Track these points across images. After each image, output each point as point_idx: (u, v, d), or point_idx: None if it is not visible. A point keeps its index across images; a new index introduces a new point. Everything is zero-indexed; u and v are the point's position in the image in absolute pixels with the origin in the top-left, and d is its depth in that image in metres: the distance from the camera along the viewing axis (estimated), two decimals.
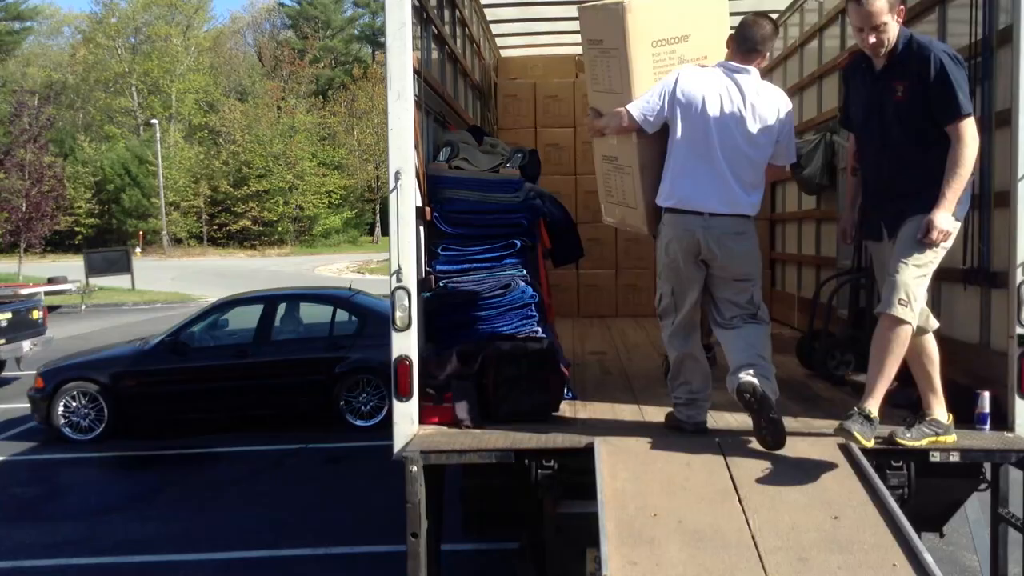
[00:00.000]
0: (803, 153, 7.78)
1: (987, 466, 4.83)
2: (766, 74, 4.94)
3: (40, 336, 14.30)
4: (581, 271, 9.81)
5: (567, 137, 10.17)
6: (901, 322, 4.15)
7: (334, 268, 40.08)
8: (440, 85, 6.48)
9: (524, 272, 5.60)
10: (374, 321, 10.65)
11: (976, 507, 5.73)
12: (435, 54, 6.61)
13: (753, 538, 3.65)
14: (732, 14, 9.49)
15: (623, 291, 9.96)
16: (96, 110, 62.75)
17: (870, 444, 4.14)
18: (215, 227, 57.22)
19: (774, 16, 9.55)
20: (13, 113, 33.54)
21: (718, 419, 4.97)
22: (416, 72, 4.98)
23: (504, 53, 10.93)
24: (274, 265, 43.60)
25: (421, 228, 5.19)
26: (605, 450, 4.30)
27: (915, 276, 4.15)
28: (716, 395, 5.61)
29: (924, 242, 4.12)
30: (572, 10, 9.49)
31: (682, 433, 4.64)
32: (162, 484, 8.82)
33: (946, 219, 4.10)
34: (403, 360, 4.55)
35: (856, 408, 4.24)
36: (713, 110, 4.43)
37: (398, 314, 4.55)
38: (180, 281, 33.76)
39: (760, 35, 4.58)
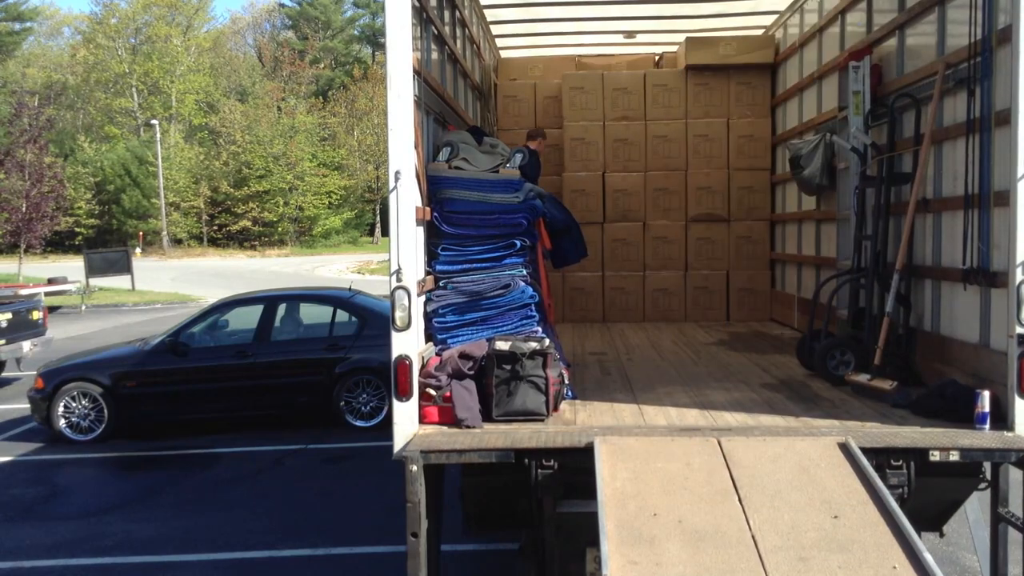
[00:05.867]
0: (803, 154, 7.79)
1: (987, 466, 4.83)
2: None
3: (40, 337, 14.30)
4: (568, 274, 9.78)
5: None
6: None
7: (334, 269, 40.09)
8: (440, 85, 6.48)
9: (524, 272, 5.61)
10: (374, 322, 10.66)
11: (976, 507, 5.73)
12: (435, 54, 6.61)
13: (753, 538, 3.65)
14: (733, 15, 9.62)
15: (610, 294, 9.96)
16: (96, 111, 62.76)
17: None
18: (215, 228, 57.20)
19: (774, 17, 9.60)
20: (13, 114, 33.50)
21: (717, 419, 4.98)
22: (416, 72, 4.99)
23: (504, 54, 10.94)
24: (274, 266, 43.60)
25: (421, 228, 5.20)
26: (605, 450, 4.30)
27: None
28: (716, 395, 5.64)
29: None
30: (572, 11, 9.60)
31: (681, 432, 4.65)
32: (162, 484, 8.82)
33: None
34: (403, 360, 4.56)
35: None
36: None
37: (398, 314, 4.55)
38: (180, 282, 33.76)
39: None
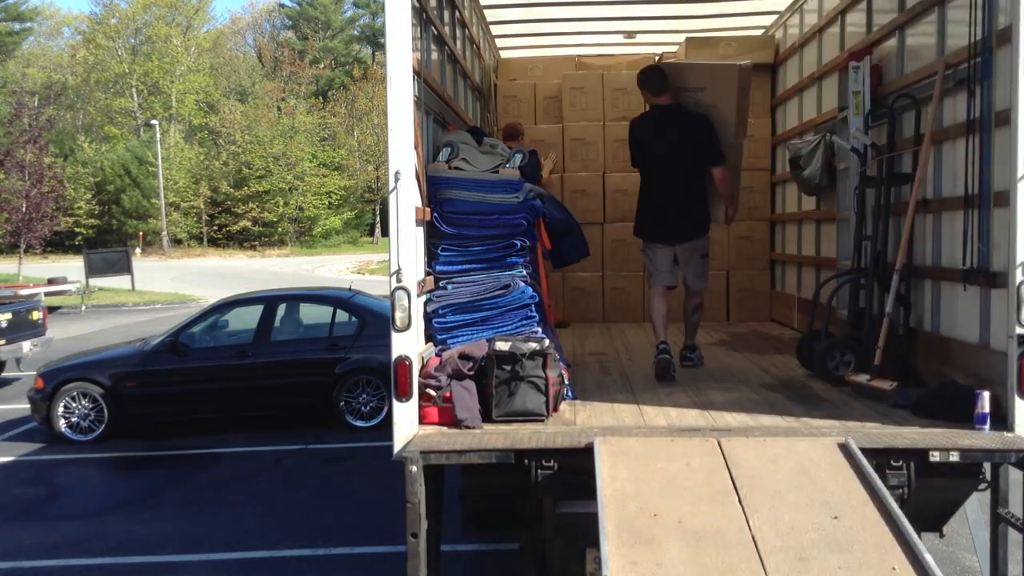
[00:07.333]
0: (803, 154, 7.79)
1: (987, 466, 4.83)
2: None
3: (40, 337, 14.31)
4: (568, 274, 9.75)
5: None
6: None
7: (334, 269, 40.10)
8: (440, 86, 6.48)
9: (524, 272, 5.61)
10: (374, 322, 10.66)
11: (976, 507, 5.73)
12: (435, 55, 6.61)
13: (753, 538, 3.65)
14: (733, 15, 9.61)
15: (610, 295, 9.94)
16: (96, 111, 62.76)
17: None
18: (215, 228, 57.22)
19: (774, 17, 9.60)
20: (13, 114, 33.49)
21: (717, 419, 4.98)
22: (416, 72, 4.99)
23: (504, 54, 10.94)
24: (274, 266, 43.60)
25: (421, 228, 5.20)
26: (605, 450, 4.30)
27: None
28: (716, 395, 5.63)
29: None
30: (572, 11, 9.59)
31: (681, 433, 4.65)
32: (162, 484, 8.82)
33: None
34: (403, 360, 4.56)
35: None
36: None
37: (398, 314, 4.55)
38: (180, 282, 33.76)
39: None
